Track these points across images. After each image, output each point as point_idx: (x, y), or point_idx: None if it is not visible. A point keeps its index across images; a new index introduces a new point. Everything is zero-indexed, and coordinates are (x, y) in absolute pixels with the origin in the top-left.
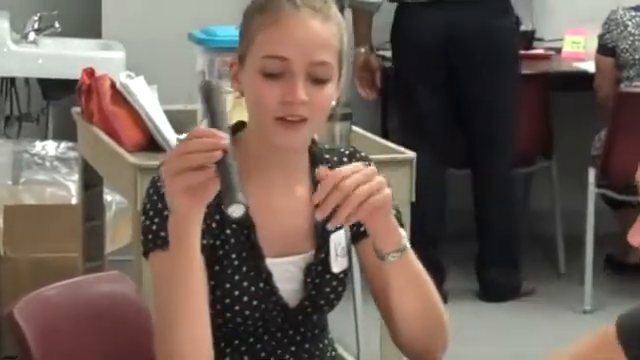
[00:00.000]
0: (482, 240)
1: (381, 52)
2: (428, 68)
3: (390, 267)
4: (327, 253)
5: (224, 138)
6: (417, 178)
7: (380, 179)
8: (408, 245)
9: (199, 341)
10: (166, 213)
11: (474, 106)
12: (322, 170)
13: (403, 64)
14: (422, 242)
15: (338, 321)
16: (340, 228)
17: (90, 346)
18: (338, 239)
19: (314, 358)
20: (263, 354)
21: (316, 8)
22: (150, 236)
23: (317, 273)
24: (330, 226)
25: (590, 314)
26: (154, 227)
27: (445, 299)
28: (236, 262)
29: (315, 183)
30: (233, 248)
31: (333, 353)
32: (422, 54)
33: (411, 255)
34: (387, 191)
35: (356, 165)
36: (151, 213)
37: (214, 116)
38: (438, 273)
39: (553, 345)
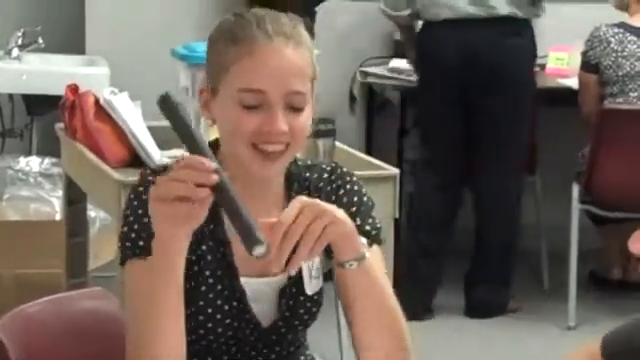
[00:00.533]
0: (479, 257)
1: (364, 68)
2: (447, 85)
3: (349, 274)
4: (301, 275)
5: (212, 171)
6: (418, 189)
7: (329, 211)
8: (367, 255)
9: (174, 357)
10: (146, 220)
11: (489, 124)
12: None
13: (424, 80)
14: (415, 253)
15: (321, 336)
16: None
17: None
18: (310, 261)
19: None
20: None
21: (287, 35)
22: (128, 244)
23: (291, 295)
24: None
25: (574, 330)
26: (133, 235)
27: (431, 314)
28: (211, 280)
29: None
30: (208, 265)
31: None
32: (442, 71)
33: (373, 266)
34: (339, 222)
35: (295, 205)
36: (130, 219)
37: (188, 138)
38: (427, 286)
39: None
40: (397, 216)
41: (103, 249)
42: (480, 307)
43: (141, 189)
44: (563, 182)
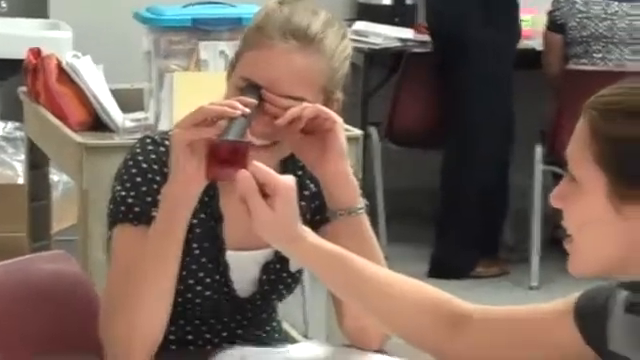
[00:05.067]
0: (446, 218)
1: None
2: None
3: (340, 226)
4: None
5: (246, 109)
6: None
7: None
8: (362, 210)
9: (159, 325)
10: (144, 189)
11: None
12: None
13: None
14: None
15: (286, 299)
16: None
17: (34, 325)
18: None
19: (261, 340)
20: (208, 335)
21: (307, 40)
22: (123, 207)
23: (274, 270)
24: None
25: (536, 290)
26: (129, 200)
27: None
28: (197, 251)
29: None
30: (197, 238)
31: (280, 334)
32: None
33: (365, 223)
34: (340, 138)
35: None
36: (128, 185)
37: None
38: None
39: None
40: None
41: (66, 213)
42: (442, 268)
43: (141, 157)
44: (527, 143)
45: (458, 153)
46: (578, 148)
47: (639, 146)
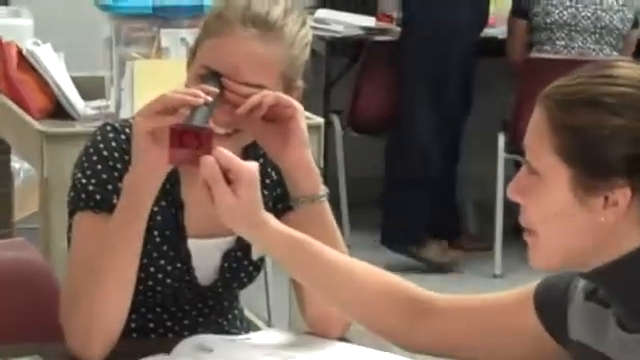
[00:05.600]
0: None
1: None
2: None
3: (302, 214)
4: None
5: (208, 98)
6: None
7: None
8: (324, 198)
9: (120, 314)
10: (104, 177)
11: None
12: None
13: None
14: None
15: (249, 288)
16: None
17: None
18: None
19: (222, 328)
20: (169, 323)
21: (266, 27)
22: (83, 195)
23: (236, 258)
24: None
25: (500, 278)
26: (90, 187)
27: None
28: (158, 239)
29: None
30: (158, 225)
31: (242, 323)
32: None
33: (327, 210)
34: (300, 126)
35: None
36: (88, 172)
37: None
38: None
39: None
40: (321, 165)
41: (27, 201)
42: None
43: (102, 145)
44: (490, 132)
45: (403, 137)
46: (537, 139)
47: (601, 136)
